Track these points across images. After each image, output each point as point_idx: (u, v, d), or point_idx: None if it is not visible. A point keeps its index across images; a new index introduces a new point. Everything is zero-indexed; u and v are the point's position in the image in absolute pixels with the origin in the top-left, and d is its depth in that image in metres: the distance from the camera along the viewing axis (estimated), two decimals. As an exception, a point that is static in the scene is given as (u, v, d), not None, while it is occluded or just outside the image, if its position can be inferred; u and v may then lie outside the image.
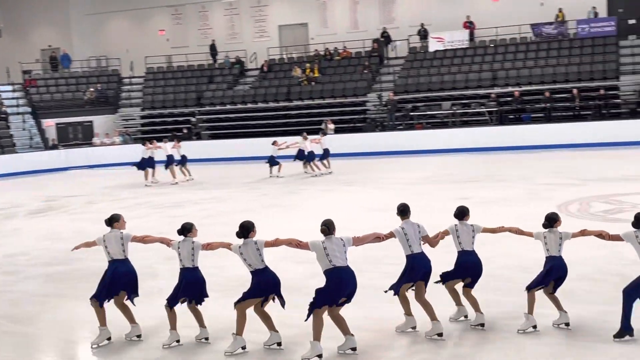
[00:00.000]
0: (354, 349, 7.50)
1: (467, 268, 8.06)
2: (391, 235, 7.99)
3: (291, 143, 24.40)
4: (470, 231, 8.07)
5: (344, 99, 33.68)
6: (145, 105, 37.26)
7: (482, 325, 7.96)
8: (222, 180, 24.47)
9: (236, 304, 7.74)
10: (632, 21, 32.41)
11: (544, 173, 20.74)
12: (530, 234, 8.11)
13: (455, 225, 8.15)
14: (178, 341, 8.09)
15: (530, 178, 19.81)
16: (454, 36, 34.09)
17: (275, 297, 7.76)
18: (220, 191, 21.67)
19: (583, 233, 7.89)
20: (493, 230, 8.35)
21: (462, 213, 8.18)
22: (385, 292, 8.09)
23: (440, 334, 7.76)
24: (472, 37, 34.52)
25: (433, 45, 34.31)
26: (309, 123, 32.25)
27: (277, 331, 7.80)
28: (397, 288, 7.94)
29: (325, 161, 24.20)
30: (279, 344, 7.78)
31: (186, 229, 8.04)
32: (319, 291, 7.45)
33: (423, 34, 35.11)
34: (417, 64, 34.39)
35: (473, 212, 8.35)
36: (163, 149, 24.20)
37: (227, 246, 7.91)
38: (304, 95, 34.40)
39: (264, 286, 7.68)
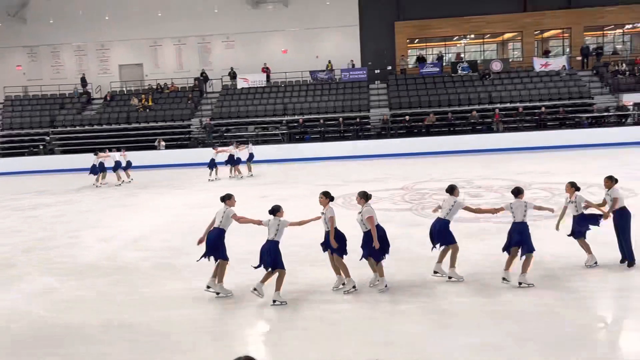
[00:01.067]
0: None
1: (511, 235, 7.74)
2: (438, 209, 8.30)
3: (224, 150, 22.94)
4: (523, 206, 7.68)
5: (172, 122, 32.54)
6: (5, 126, 33.42)
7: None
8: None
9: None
10: (377, 71, 34.68)
11: (321, 177, 21.37)
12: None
13: (511, 203, 7.84)
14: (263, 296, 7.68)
15: (311, 181, 20.25)
16: (255, 77, 34.26)
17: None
18: (72, 195, 19.96)
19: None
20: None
21: (517, 191, 7.85)
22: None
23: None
24: (268, 78, 34.93)
25: (240, 84, 34.24)
26: (145, 141, 30.77)
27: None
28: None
29: (248, 164, 22.90)
30: (354, 286, 7.86)
31: (275, 210, 7.75)
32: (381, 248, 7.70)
33: (233, 75, 34.96)
34: (228, 97, 34.09)
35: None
36: (112, 157, 22.44)
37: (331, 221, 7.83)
38: (140, 119, 32.74)
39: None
